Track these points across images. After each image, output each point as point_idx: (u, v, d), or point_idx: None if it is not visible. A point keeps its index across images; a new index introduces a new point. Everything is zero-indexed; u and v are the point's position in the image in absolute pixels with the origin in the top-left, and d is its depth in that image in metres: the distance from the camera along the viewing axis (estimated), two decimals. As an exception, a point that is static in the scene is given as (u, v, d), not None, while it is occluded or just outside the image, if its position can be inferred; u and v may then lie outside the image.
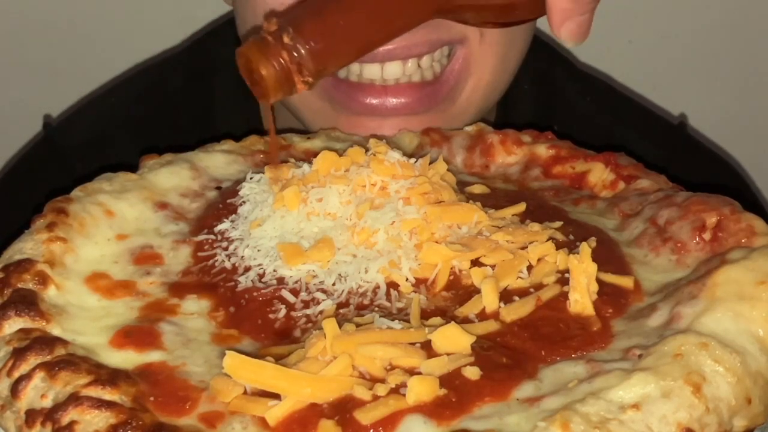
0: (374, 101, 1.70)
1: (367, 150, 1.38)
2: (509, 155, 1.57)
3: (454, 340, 1.08)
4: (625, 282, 1.21)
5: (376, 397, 1.03)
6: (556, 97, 2.13)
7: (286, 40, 1.20)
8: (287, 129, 1.69)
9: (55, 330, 1.16)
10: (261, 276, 1.24)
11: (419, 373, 1.05)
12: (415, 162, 1.36)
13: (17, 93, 2.64)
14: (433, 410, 1.02)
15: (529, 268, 1.22)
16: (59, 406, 1.04)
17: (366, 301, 1.20)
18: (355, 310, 1.18)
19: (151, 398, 1.07)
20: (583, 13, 1.25)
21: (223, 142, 1.55)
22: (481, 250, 1.23)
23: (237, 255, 1.28)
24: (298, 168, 1.37)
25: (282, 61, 1.21)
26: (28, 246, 1.26)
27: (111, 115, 2.08)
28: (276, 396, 1.04)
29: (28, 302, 1.17)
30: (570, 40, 1.26)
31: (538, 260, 1.22)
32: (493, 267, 1.22)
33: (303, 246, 1.25)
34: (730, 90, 2.73)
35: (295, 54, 1.20)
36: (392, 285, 1.21)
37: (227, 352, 1.06)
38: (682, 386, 1.01)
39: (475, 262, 1.23)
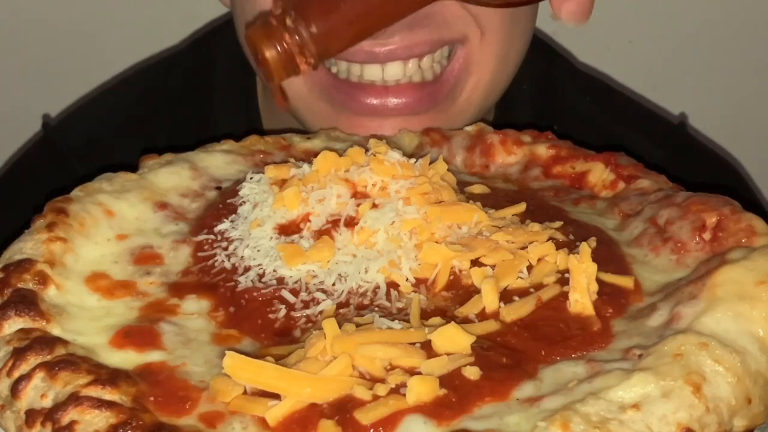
0: (375, 101, 1.70)
1: (367, 150, 1.38)
2: (509, 155, 1.57)
3: (454, 340, 1.08)
4: (625, 282, 1.21)
5: (376, 397, 1.03)
6: (556, 96, 2.12)
7: (288, 23, 1.22)
8: (287, 129, 1.69)
9: (55, 330, 1.15)
10: (261, 276, 1.24)
11: (419, 373, 1.05)
12: (415, 162, 1.36)
13: (17, 93, 2.63)
14: (433, 410, 1.02)
15: (529, 268, 1.22)
16: (59, 406, 1.03)
17: (366, 301, 1.19)
18: (355, 310, 1.18)
19: (151, 398, 1.07)
20: None
21: (223, 142, 1.55)
22: (481, 250, 1.23)
23: (237, 255, 1.28)
24: (298, 168, 1.37)
25: (285, 44, 1.23)
26: (28, 246, 1.26)
27: (110, 115, 2.08)
28: (276, 396, 1.04)
29: (28, 302, 1.17)
30: (571, 20, 1.24)
31: (538, 260, 1.22)
32: (493, 267, 1.22)
33: (303, 246, 1.25)
34: (730, 90, 2.73)
35: (297, 37, 1.22)
36: (392, 285, 1.21)
37: (227, 352, 1.06)
38: (682, 386, 1.01)
39: (475, 262, 1.23)
